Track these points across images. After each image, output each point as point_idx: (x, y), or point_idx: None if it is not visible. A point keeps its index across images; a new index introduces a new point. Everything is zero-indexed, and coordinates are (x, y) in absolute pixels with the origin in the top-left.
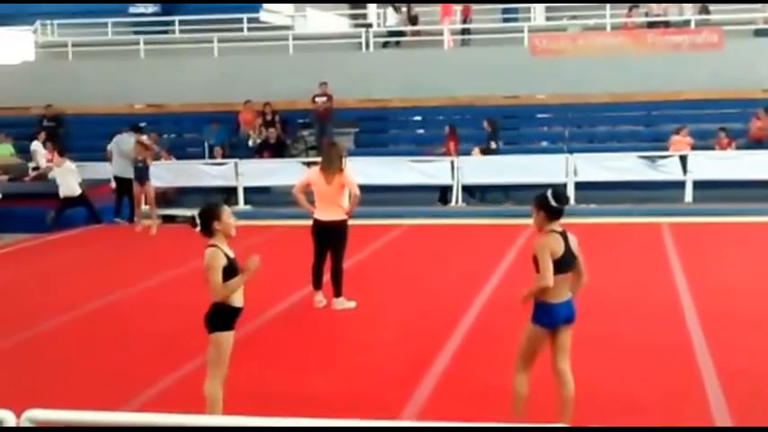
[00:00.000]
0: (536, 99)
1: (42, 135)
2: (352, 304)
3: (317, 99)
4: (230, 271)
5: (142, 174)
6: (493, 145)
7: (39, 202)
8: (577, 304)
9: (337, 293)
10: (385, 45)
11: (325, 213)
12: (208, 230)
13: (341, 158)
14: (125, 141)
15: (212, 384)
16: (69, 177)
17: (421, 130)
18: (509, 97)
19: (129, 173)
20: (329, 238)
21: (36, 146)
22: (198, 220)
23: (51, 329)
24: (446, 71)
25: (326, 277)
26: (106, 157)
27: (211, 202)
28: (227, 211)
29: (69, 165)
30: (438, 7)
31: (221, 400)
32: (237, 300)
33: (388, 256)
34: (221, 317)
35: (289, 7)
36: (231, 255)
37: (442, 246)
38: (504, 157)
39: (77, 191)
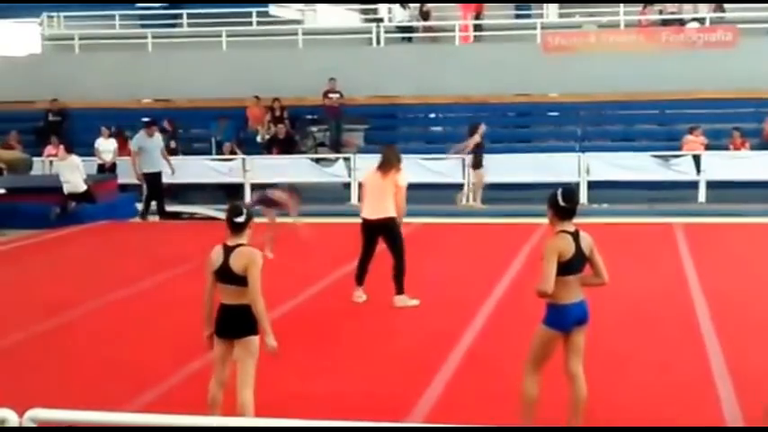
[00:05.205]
0: (548, 97)
1: (109, 131)
2: (414, 302)
3: (330, 95)
4: None
5: None
6: (173, 144)
7: (43, 197)
8: (589, 306)
9: (398, 291)
10: (409, 40)
11: (372, 211)
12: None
13: (399, 158)
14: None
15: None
16: (74, 173)
17: (435, 128)
18: (521, 95)
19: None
20: (378, 236)
21: (99, 143)
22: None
23: (54, 327)
24: (457, 68)
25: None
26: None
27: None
28: None
29: (74, 160)
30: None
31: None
32: None
33: None
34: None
35: None
36: None
37: (454, 243)
38: (517, 155)
39: (82, 187)
